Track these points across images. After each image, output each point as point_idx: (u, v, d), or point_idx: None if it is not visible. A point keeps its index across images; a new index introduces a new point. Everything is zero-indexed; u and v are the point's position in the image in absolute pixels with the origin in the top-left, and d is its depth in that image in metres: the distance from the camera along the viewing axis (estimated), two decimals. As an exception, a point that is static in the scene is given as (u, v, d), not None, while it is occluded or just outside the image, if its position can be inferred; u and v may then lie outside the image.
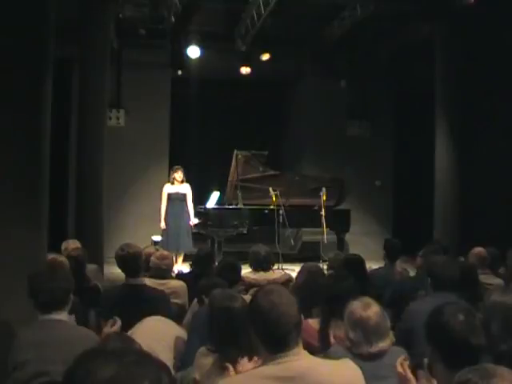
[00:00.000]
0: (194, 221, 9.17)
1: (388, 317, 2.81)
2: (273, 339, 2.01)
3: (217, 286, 3.56)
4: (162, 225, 8.99)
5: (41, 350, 2.69)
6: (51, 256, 4.49)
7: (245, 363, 2.45)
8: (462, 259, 5.33)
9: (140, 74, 11.25)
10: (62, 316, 2.88)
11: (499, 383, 1.33)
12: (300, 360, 2.00)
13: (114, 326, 3.09)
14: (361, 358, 2.65)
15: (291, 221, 9.51)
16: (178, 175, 9.02)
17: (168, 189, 9.11)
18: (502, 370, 1.37)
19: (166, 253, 5.02)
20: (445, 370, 2.07)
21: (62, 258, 4.46)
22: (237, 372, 2.40)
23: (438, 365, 2.11)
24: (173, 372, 3.41)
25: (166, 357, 3.23)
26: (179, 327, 3.68)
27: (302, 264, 4.75)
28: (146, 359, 1.15)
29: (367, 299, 2.82)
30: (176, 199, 9.03)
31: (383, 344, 2.69)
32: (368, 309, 2.73)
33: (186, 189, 9.09)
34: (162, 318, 3.59)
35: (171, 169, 9.38)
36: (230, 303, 2.78)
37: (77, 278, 3.35)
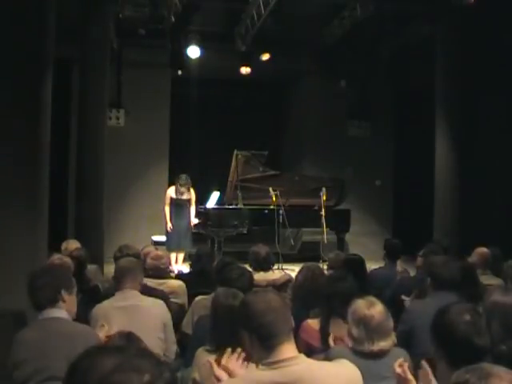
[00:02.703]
0: (194, 221, 9.18)
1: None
2: (267, 343, 2.01)
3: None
4: (169, 226, 9.00)
5: (40, 347, 2.71)
6: (56, 256, 4.48)
7: (229, 357, 2.41)
8: (468, 258, 5.32)
9: (140, 74, 11.25)
10: (61, 313, 2.89)
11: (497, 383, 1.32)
12: (297, 364, 2.00)
13: (102, 331, 3.09)
14: (362, 356, 2.65)
15: (291, 221, 9.51)
16: (182, 190, 9.00)
17: (172, 193, 9.11)
18: (499, 369, 1.36)
19: (160, 253, 5.03)
20: (448, 369, 2.07)
21: (67, 259, 4.47)
22: (221, 367, 2.37)
23: (441, 364, 2.12)
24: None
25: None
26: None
27: (301, 264, 4.74)
28: (148, 354, 1.17)
29: (371, 298, 2.84)
30: (179, 203, 9.07)
31: (385, 343, 2.70)
32: (372, 307, 2.75)
33: (190, 195, 9.13)
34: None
35: (176, 178, 9.26)
36: (234, 302, 2.78)
37: (77, 278, 3.35)
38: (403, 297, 4.29)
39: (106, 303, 3.60)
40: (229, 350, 2.35)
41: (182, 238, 8.98)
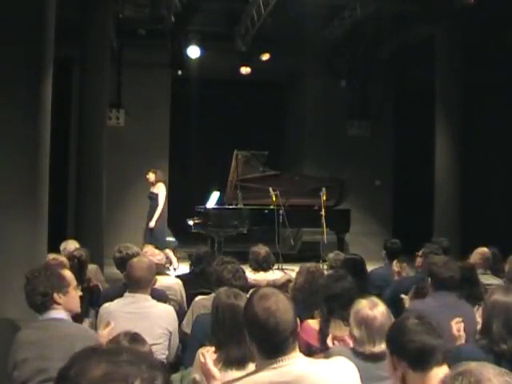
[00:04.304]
0: (151, 224, 8.85)
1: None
2: (270, 347, 1.99)
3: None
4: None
5: (40, 348, 2.70)
6: (52, 256, 4.48)
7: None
8: (468, 258, 5.32)
9: (140, 74, 11.26)
10: (59, 314, 2.88)
11: None
12: (295, 364, 1.98)
13: (107, 328, 3.09)
14: (362, 358, 2.65)
15: (291, 221, 9.50)
16: (147, 176, 8.99)
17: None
18: (489, 372, 1.32)
19: (157, 250, 5.02)
20: (412, 374, 2.14)
21: (62, 258, 4.46)
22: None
23: (408, 372, 2.17)
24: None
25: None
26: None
27: (301, 264, 4.73)
28: (140, 358, 1.14)
29: (374, 299, 2.84)
30: (149, 198, 9.02)
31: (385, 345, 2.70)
32: (374, 308, 2.75)
33: (157, 189, 9.00)
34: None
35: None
36: (235, 301, 2.78)
37: (78, 278, 3.34)
38: (402, 295, 4.29)
39: (114, 304, 3.59)
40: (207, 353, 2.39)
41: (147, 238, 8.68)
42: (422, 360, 2.14)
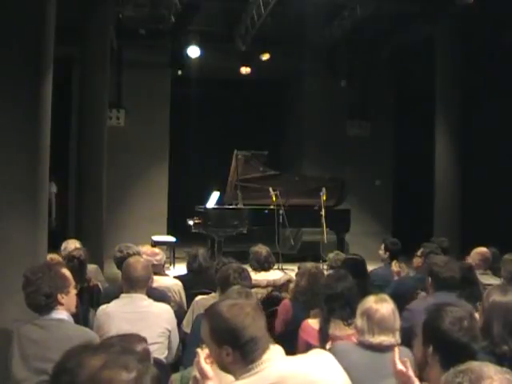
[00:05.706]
0: None
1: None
2: (249, 351, 1.97)
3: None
4: None
5: (40, 348, 2.70)
6: (49, 256, 4.48)
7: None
8: (467, 258, 5.33)
9: (140, 74, 11.26)
10: (61, 315, 2.88)
11: None
12: (274, 365, 1.97)
13: None
14: (368, 349, 2.70)
15: (291, 221, 9.51)
16: None
17: None
18: (490, 370, 1.34)
19: (157, 250, 5.01)
20: (442, 371, 2.09)
21: (58, 257, 4.46)
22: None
23: (435, 365, 2.15)
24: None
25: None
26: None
27: (300, 264, 4.71)
28: (132, 351, 1.20)
29: (385, 296, 2.89)
30: None
31: (385, 338, 2.73)
32: (379, 303, 2.80)
33: None
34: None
35: None
36: (246, 300, 2.77)
37: (78, 278, 3.34)
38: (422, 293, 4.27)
39: (111, 306, 3.56)
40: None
41: None
42: (456, 364, 2.11)
